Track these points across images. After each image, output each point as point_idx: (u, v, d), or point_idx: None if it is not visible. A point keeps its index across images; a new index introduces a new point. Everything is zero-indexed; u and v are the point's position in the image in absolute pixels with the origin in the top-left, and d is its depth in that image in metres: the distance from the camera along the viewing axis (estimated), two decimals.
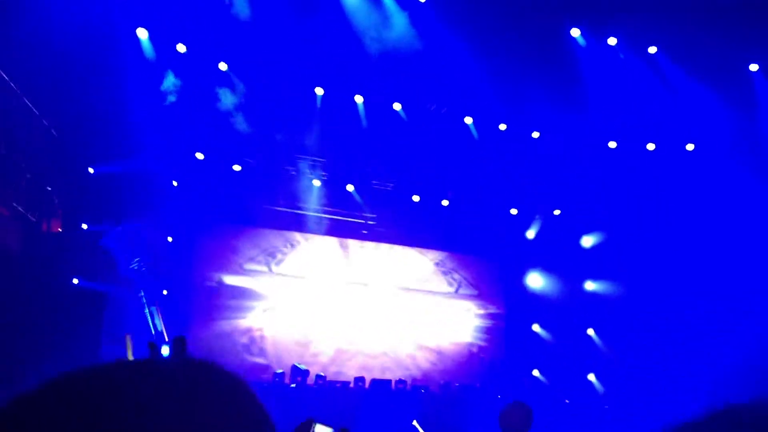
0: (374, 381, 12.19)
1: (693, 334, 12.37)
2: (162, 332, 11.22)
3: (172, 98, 10.89)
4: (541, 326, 13.65)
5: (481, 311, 13.71)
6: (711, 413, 0.80)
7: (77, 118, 10.54)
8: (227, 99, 11.24)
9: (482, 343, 13.67)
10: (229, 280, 12.48)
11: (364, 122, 12.30)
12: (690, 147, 12.86)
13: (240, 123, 11.45)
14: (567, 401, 12.74)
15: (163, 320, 11.30)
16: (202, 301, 12.24)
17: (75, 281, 10.52)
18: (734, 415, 0.79)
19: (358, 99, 12.27)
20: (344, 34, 10.82)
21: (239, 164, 12.14)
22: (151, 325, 11.30)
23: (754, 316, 11.86)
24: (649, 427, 10.49)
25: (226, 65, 11.23)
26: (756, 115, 12.44)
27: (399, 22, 11.24)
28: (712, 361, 11.90)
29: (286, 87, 11.57)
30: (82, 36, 9.56)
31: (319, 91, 11.97)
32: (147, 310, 11.32)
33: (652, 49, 12.04)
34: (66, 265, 10.53)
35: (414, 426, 10.36)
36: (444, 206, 13.34)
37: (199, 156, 11.75)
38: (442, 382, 12.89)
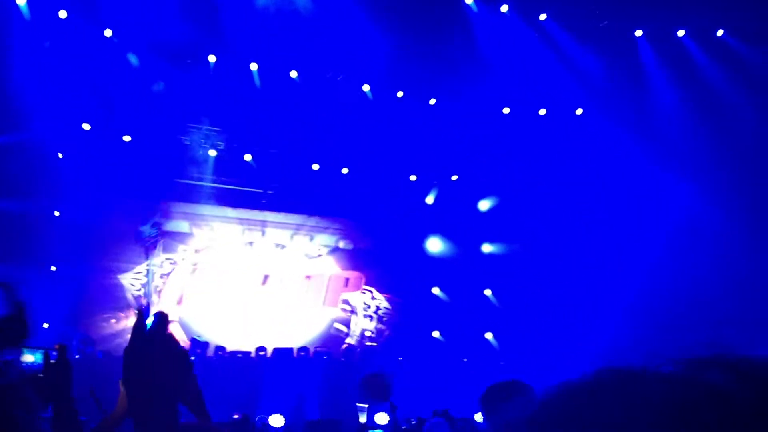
0: (276, 350, 12.22)
1: (584, 290, 12.96)
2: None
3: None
4: (441, 289, 13.97)
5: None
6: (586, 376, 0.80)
7: None
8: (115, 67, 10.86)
9: (384, 310, 13.90)
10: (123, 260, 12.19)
11: (259, 87, 12.13)
12: (579, 112, 13.32)
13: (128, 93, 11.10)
14: (465, 360, 13.15)
15: None
16: (97, 280, 11.88)
17: None
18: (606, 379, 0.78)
19: (253, 66, 12.07)
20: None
21: (129, 135, 11.73)
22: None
23: (639, 272, 12.54)
24: (541, 383, 10.98)
25: (110, 31, 10.80)
26: (640, 80, 12.99)
27: None
28: (603, 316, 12.53)
29: (177, 53, 11.25)
30: None
31: (212, 58, 11.70)
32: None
33: (542, 16, 12.35)
34: None
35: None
36: (344, 174, 13.35)
37: (86, 126, 11.29)
38: (343, 347, 13.07)
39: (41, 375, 2.86)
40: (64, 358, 2.86)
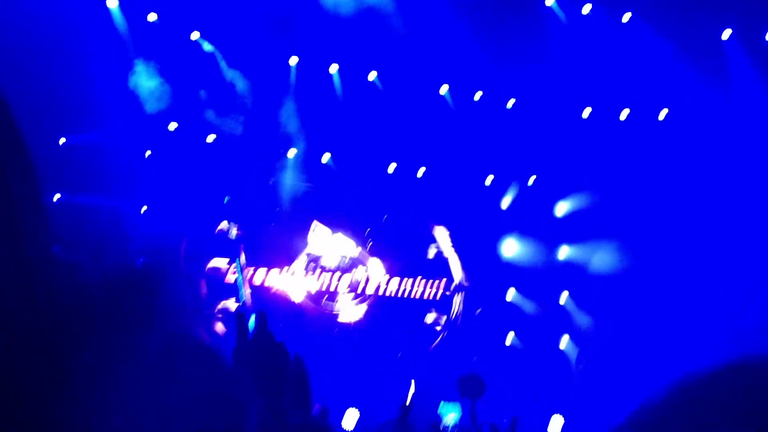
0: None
1: (666, 298, 12.62)
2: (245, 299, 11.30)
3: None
4: (517, 292, 13.80)
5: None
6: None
7: (45, 88, 10.36)
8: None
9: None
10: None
11: (339, 90, 12.24)
12: (663, 114, 12.98)
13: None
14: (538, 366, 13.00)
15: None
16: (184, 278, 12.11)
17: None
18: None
19: (333, 69, 12.19)
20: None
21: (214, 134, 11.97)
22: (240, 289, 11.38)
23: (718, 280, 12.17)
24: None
25: (198, 33, 11.08)
26: (727, 82, 12.59)
27: None
28: (686, 326, 12.20)
29: (259, 59, 11.45)
30: (49, 6, 9.37)
31: (293, 60, 11.87)
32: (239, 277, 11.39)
33: (626, 17, 12.09)
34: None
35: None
36: (419, 177, 13.33)
37: (172, 126, 11.58)
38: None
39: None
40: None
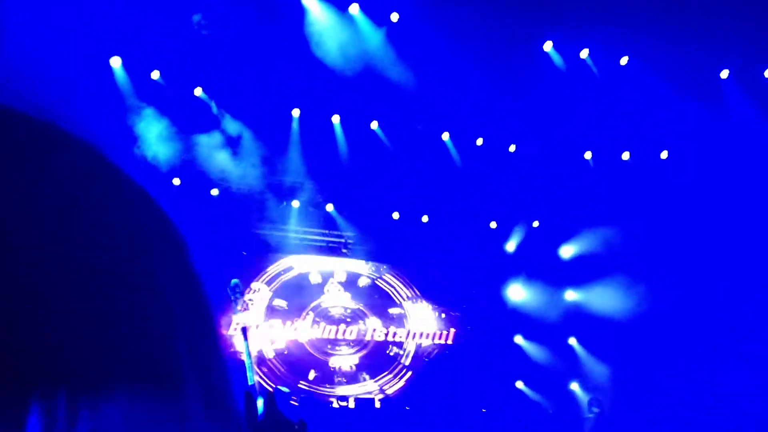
0: (358, 400, 12.22)
1: (675, 341, 12.53)
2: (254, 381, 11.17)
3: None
4: (524, 337, 13.69)
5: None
6: None
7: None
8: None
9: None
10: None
11: (342, 142, 12.28)
12: (664, 155, 13.01)
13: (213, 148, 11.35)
14: (550, 411, 12.84)
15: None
16: None
17: None
18: None
19: (335, 119, 12.24)
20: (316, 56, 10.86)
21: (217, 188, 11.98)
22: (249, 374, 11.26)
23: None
24: None
25: (200, 89, 11.15)
26: (727, 121, 12.62)
27: (372, 39, 11.26)
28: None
29: (260, 110, 11.50)
30: (55, 67, 9.41)
31: (296, 112, 11.92)
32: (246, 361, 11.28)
33: (624, 60, 12.17)
34: None
35: None
36: (424, 222, 13.31)
37: (176, 182, 11.60)
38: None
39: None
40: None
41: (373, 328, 13.07)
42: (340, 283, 13.15)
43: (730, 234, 12.41)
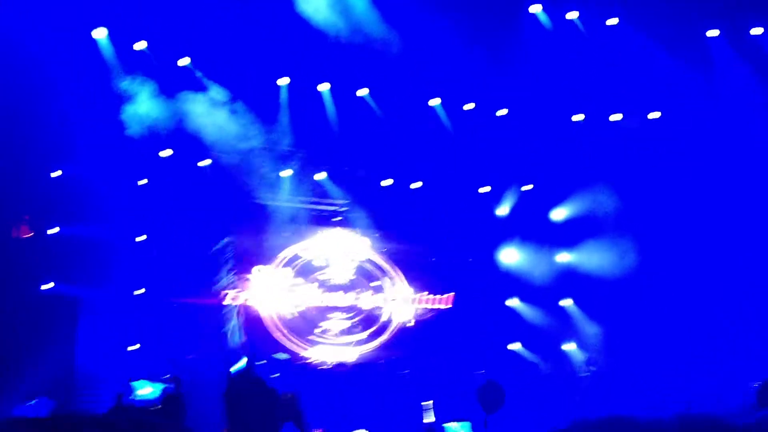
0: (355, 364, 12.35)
1: (662, 299, 12.66)
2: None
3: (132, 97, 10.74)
4: (519, 300, 13.80)
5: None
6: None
7: (37, 121, 10.36)
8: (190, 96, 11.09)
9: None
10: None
11: (331, 111, 12.26)
12: (653, 116, 13.02)
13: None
14: (544, 369, 13.01)
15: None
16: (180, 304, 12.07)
17: (47, 286, 10.39)
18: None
19: (323, 87, 12.21)
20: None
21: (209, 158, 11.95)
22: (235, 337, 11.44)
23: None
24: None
25: (189, 59, 11.09)
26: (716, 80, 12.63)
27: (361, 8, 11.21)
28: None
29: (248, 80, 11.45)
30: (41, 39, 9.38)
31: (284, 81, 11.89)
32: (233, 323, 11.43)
33: (612, 21, 12.13)
34: (39, 270, 10.41)
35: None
36: (414, 189, 13.34)
37: (165, 153, 11.56)
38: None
39: (158, 406, 2.95)
40: (179, 391, 2.93)
41: (369, 295, 13.15)
42: (339, 254, 13.22)
43: (719, 191, 12.48)
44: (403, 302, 13.32)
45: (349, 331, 12.95)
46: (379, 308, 13.20)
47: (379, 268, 13.39)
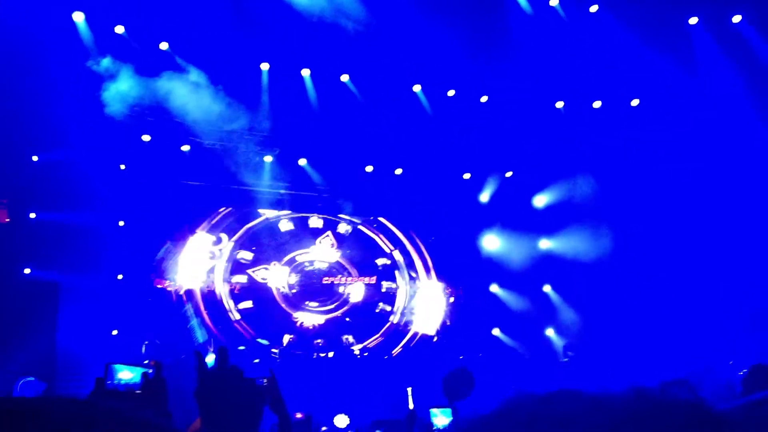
0: (337, 352, 12.36)
1: (643, 285, 12.75)
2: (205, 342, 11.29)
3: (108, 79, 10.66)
4: (500, 286, 13.88)
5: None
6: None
7: (16, 105, 10.26)
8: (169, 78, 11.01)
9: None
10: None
11: (313, 96, 12.23)
12: (635, 103, 13.09)
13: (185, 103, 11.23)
14: (526, 356, 13.09)
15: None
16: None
17: (27, 271, 10.34)
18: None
19: (305, 72, 12.17)
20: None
21: (188, 144, 11.91)
22: (198, 334, 11.39)
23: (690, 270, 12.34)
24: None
25: (167, 44, 11.01)
26: (695, 68, 12.69)
27: None
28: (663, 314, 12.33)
29: (230, 65, 11.39)
30: (16, 23, 9.27)
31: (265, 66, 11.84)
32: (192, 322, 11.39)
33: (594, 8, 12.15)
34: (18, 255, 10.34)
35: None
36: (397, 175, 13.36)
37: (146, 138, 11.52)
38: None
39: (139, 391, 2.95)
40: (160, 375, 2.94)
41: (357, 287, 13.15)
42: (327, 236, 13.19)
43: (698, 177, 12.58)
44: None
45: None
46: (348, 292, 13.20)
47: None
